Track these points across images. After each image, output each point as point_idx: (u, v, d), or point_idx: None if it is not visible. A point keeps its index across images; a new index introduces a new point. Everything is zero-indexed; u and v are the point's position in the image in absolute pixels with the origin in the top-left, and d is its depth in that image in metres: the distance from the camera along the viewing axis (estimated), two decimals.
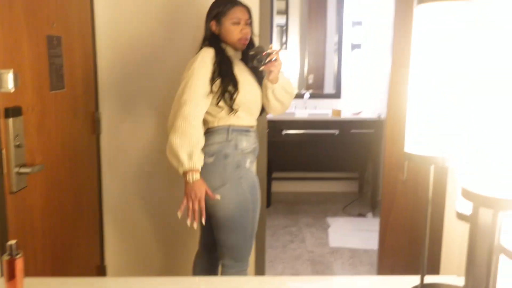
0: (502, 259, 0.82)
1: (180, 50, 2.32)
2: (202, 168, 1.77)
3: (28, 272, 1.54)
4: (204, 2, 1.99)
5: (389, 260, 2.51)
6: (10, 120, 1.45)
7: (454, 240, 1.52)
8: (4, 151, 1.44)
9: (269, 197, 4.12)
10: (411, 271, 2.45)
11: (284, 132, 3.99)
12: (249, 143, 1.90)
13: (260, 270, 2.55)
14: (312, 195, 4.66)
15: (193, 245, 2.32)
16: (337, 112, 4.15)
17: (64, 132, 1.90)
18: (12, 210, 1.49)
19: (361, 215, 4.09)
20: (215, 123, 1.86)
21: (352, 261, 3.17)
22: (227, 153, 1.84)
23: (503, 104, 0.70)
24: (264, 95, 1.93)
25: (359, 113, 4.26)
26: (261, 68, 1.82)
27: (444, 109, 1.00)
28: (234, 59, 1.92)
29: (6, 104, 1.45)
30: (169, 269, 2.59)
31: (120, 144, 2.44)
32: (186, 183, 1.76)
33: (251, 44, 1.94)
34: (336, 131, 4.06)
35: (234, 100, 1.82)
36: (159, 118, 2.40)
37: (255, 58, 1.81)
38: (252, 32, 1.94)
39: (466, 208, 1.03)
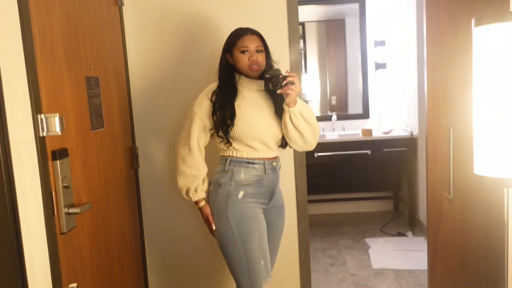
0: None
1: (206, 83, 2.35)
2: (207, 194, 2.01)
3: None
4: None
5: (440, 281, 2.42)
6: (58, 162, 1.47)
7: None
8: (53, 193, 1.46)
9: None
10: None
11: (317, 154, 3.96)
12: (248, 176, 1.92)
13: None
14: (348, 216, 4.58)
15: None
16: (368, 132, 4.11)
17: (106, 169, 1.93)
18: (63, 250, 1.50)
19: (401, 234, 3.99)
20: (220, 152, 2.00)
21: (398, 282, 3.07)
22: (221, 183, 1.93)
23: None
24: (283, 124, 1.90)
25: (389, 131, 4.21)
26: (278, 91, 1.81)
27: None
28: (246, 89, 1.94)
29: (53, 146, 1.47)
30: None
31: (157, 177, 2.46)
32: (199, 209, 2.03)
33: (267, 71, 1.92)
34: (368, 151, 4.01)
35: (228, 133, 1.89)
36: None
37: (271, 81, 1.81)
38: (268, 58, 1.97)
39: None
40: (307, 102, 4.68)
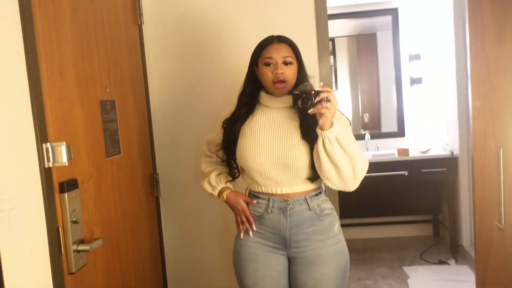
0: None
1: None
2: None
3: None
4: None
5: None
6: (66, 195, 1.34)
7: None
8: (61, 229, 1.33)
9: None
10: None
11: None
12: (252, 211, 1.68)
13: None
14: (384, 241, 4.31)
15: None
16: (405, 152, 3.87)
17: (123, 199, 1.79)
18: None
19: (442, 262, 3.69)
20: None
21: None
22: None
23: None
24: (315, 153, 1.53)
25: (427, 150, 3.95)
26: (310, 111, 1.46)
27: None
28: (265, 108, 1.66)
29: (61, 178, 1.34)
30: None
31: (180, 204, 2.32)
32: (226, 203, 1.75)
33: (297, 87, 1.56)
34: (405, 172, 3.77)
35: (230, 158, 1.72)
36: None
37: (300, 98, 1.45)
38: (301, 73, 1.64)
39: None
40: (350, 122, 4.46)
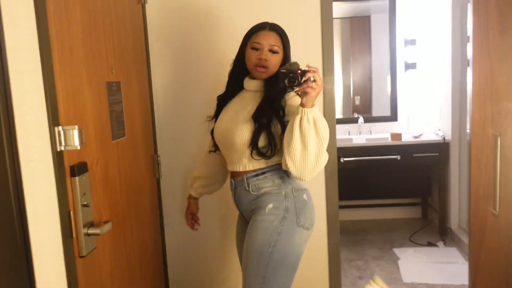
0: None
1: None
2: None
3: None
4: None
5: None
6: (76, 179, 1.33)
7: None
8: (72, 212, 1.32)
9: None
10: None
11: (343, 159, 3.78)
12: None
13: None
14: (374, 223, 4.39)
15: None
16: (397, 136, 3.91)
17: (128, 181, 1.79)
18: (82, 276, 1.36)
19: (431, 244, 3.79)
20: None
21: None
22: None
23: None
24: (288, 129, 1.55)
25: (420, 135, 4.00)
26: (296, 90, 1.52)
27: None
28: (243, 91, 1.79)
29: (71, 161, 1.33)
30: None
31: (180, 186, 2.32)
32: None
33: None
34: (397, 156, 3.81)
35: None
36: None
37: (287, 77, 1.48)
38: (283, 63, 1.70)
39: None
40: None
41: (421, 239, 3.91)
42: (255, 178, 1.68)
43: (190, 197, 2.07)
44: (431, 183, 4.22)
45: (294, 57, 1.74)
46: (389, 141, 3.93)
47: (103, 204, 1.53)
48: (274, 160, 1.66)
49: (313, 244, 2.36)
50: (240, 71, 1.78)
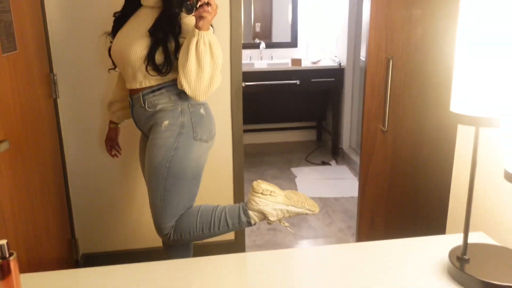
0: None
1: None
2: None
3: None
4: None
5: (369, 209, 2.52)
6: None
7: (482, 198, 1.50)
8: None
9: None
10: (390, 221, 2.49)
11: (244, 84, 3.83)
12: None
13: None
14: (273, 146, 4.61)
15: None
16: (298, 62, 4.03)
17: (22, 99, 1.65)
18: None
19: (325, 163, 4.10)
20: None
21: (325, 210, 3.18)
22: None
23: None
24: (183, 50, 1.56)
25: (318, 61, 4.17)
26: (192, 15, 1.50)
27: (494, 70, 0.95)
28: (141, 7, 1.70)
29: None
30: (138, 237, 2.46)
31: (79, 108, 2.21)
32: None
33: None
34: (297, 81, 3.96)
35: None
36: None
37: (183, 4, 1.46)
38: None
39: None
40: None
41: (316, 159, 4.21)
42: (151, 95, 1.66)
43: (110, 122, 2.02)
44: (326, 108, 4.49)
45: None
46: (290, 67, 4.04)
47: None
48: (169, 77, 1.64)
49: (218, 163, 2.44)
50: None
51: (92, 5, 2.10)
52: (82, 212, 2.35)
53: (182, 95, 1.65)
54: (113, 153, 2.08)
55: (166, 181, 1.65)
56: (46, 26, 1.98)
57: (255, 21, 4.61)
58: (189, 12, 1.47)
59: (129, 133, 2.25)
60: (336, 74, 4.04)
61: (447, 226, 1.60)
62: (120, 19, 1.75)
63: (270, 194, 1.65)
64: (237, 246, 2.58)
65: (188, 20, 1.62)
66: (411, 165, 2.40)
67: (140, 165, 1.95)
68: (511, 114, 0.94)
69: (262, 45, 4.36)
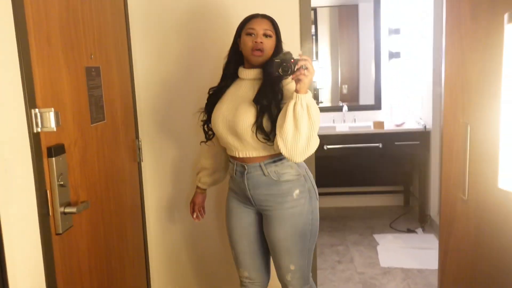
0: None
1: (215, 72, 2.27)
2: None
3: None
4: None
5: (452, 283, 2.33)
6: (53, 159, 1.39)
7: None
8: (48, 191, 1.38)
9: None
10: None
11: (326, 147, 3.85)
12: (229, 170, 1.95)
13: None
14: (357, 210, 4.49)
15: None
16: (380, 124, 3.99)
17: (107, 164, 1.84)
18: (58, 252, 1.43)
19: (410, 230, 3.89)
20: None
21: (407, 283, 2.99)
22: None
23: None
24: (282, 113, 1.64)
25: (401, 124, 4.08)
26: (290, 77, 1.61)
27: None
28: (240, 80, 1.86)
29: (48, 143, 1.39)
30: None
31: (162, 170, 2.39)
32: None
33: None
34: (379, 144, 3.89)
35: (206, 128, 1.95)
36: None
37: (281, 66, 1.58)
38: (277, 46, 1.81)
39: None
40: (317, 90, 4.56)
41: (401, 225, 4.01)
42: (273, 164, 1.78)
43: (197, 187, 2.13)
44: (413, 171, 4.31)
45: None
46: (372, 129, 4.00)
47: (80, 185, 1.59)
48: None
49: None
50: (235, 62, 1.87)
51: (177, 77, 2.32)
52: (160, 272, 2.46)
53: (299, 162, 1.79)
54: (195, 215, 2.16)
55: (309, 243, 1.86)
56: (135, 97, 2.21)
57: (342, 83, 4.69)
58: (285, 73, 1.58)
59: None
60: (421, 137, 3.92)
61: None
62: (216, 94, 1.89)
63: None
64: None
65: (290, 85, 1.73)
66: (497, 238, 2.20)
67: (228, 229, 1.99)
68: None
69: (345, 108, 4.39)
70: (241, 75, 1.84)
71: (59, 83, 1.49)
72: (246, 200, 1.88)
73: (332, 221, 4.19)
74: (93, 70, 1.73)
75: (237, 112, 1.74)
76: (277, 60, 1.60)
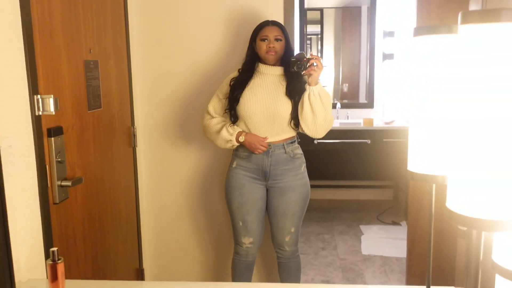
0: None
1: (208, 66, 2.50)
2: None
3: (71, 275, 1.72)
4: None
5: (418, 268, 2.53)
6: (52, 139, 1.62)
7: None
8: (47, 167, 1.61)
9: None
10: (439, 280, 2.48)
11: (317, 141, 4.06)
12: (243, 149, 2.22)
13: None
14: (346, 203, 4.69)
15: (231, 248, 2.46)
16: (369, 121, 4.18)
17: (102, 146, 2.07)
18: (55, 219, 1.66)
19: (395, 223, 4.09)
20: None
21: (384, 269, 3.19)
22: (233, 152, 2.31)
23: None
24: (300, 103, 2.10)
25: (391, 122, 4.27)
26: (303, 73, 2.06)
27: (444, 128, 1.05)
28: (262, 75, 2.21)
29: (49, 125, 1.62)
30: (206, 272, 2.73)
31: (155, 155, 2.62)
32: (244, 143, 2.20)
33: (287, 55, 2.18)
34: (368, 140, 4.09)
35: (234, 110, 2.20)
36: (190, 128, 2.57)
37: (296, 64, 2.04)
38: (288, 47, 2.19)
39: None
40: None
41: (388, 218, 4.21)
42: (291, 145, 2.22)
43: (237, 139, 2.19)
44: (401, 167, 4.50)
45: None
46: (361, 126, 4.19)
47: (77, 163, 1.82)
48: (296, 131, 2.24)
49: None
50: (252, 60, 2.25)
51: (172, 71, 2.54)
52: (151, 246, 2.70)
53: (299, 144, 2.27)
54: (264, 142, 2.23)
55: (305, 209, 2.31)
56: (131, 88, 2.44)
57: (343, 82, 4.89)
58: (299, 69, 2.05)
59: (207, 168, 2.60)
60: (407, 135, 4.08)
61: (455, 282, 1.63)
62: (242, 83, 2.21)
63: None
64: None
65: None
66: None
67: (237, 203, 2.26)
68: None
69: (338, 105, 4.59)
70: (265, 71, 2.21)
71: (59, 74, 1.72)
72: (262, 176, 2.22)
73: (322, 212, 4.40)
74: (91, 63, 1.96)
75: (278, 103, 2.13)
76: (293, 59, 2.07)
